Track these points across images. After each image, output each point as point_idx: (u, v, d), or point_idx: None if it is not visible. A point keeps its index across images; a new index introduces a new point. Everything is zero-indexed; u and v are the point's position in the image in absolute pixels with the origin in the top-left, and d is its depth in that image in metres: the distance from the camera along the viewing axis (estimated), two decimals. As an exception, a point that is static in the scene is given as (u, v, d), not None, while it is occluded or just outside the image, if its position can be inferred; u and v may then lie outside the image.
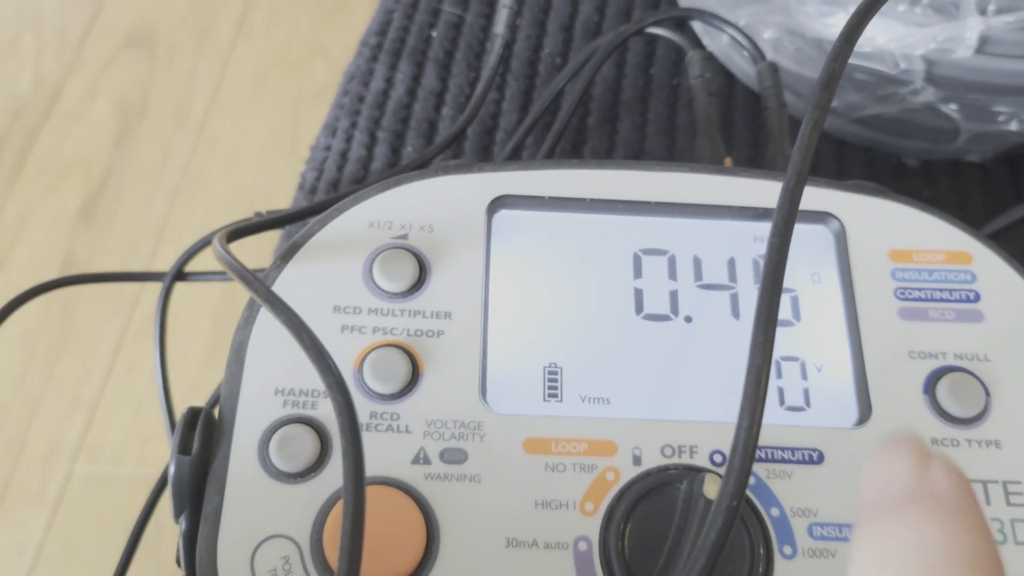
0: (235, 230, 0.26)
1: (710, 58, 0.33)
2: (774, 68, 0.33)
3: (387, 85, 0.40)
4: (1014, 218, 0.34)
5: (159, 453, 0.97)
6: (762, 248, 0.26)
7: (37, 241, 1.03)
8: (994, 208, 0.38)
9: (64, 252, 1.02)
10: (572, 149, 0.38)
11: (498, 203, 0.26)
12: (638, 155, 0.38)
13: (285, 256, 0.25)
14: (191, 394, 0.87)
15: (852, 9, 0.34)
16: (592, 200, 0.26)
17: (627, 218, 0.26)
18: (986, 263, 0.26)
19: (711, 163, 0.31)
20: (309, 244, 0.25)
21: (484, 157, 0.37)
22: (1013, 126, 0.36)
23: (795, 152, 0.21)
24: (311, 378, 0.24)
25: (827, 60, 0.21)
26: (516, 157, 0.36)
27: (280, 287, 0.24)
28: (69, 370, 0.96)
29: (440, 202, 0.26)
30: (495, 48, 0.35)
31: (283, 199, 1.04)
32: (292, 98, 1.13)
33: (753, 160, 0.37)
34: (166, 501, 0.25)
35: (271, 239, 0.39)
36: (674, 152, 0.37)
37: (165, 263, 1.04)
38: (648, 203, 0.26)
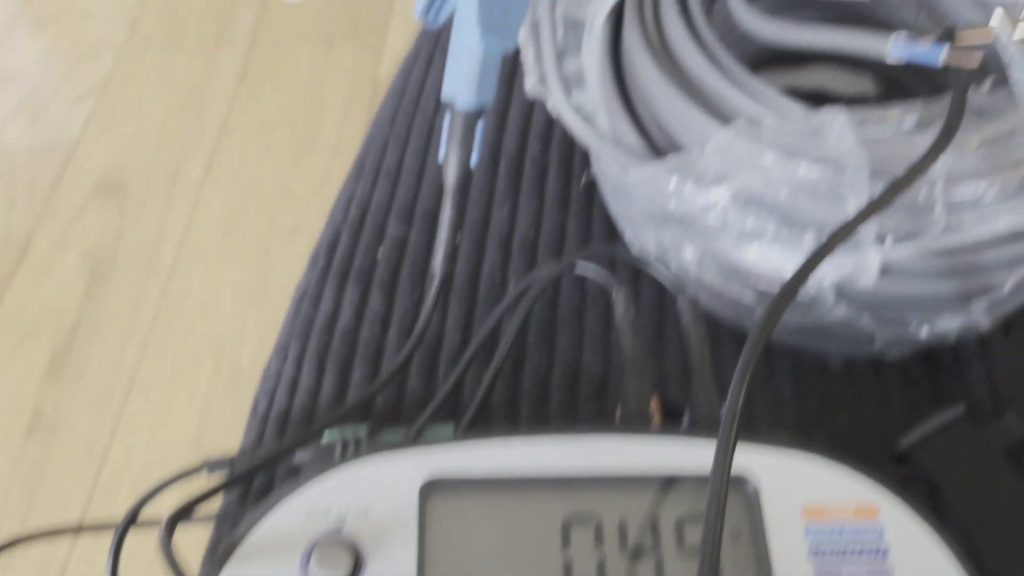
0: (178, 512, 0.28)
1: (635, 296, 0.35)
2: (695, 304, 0.35)
3: (335, 307, 0.42)
4: (930, 429, 0.36)
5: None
6: (685, 510, 0.28)
7: (4, 397, 1.04)
8: (914, 405, 0.40)
9: (32, 408, 1.02)
10: (513, 367, 0.40)
11: (430, 486, 0.27)
12: (576, 371, 0.39)
13: (223, 556, 0.26)
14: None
15: (768, 239, 0.36)
16: (521, 479, 0.28)
17: (556, 489, 0.28)
18: (892, 514, 0.28)
19: (637, 405, 0.32)
20: (247, 541, 0.26)
21: (429, 383, 0.39)
22: (924, 333, 0.38)
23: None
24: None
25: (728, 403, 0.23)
26: (459, 387, 0.38)
27: (220, 587, 0.26)
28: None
29: (375, 486, 0.27)
30: (434, 284, 0.37)
31: (253, 345, 1.05)
32: (260, 241, 1.15)
33: (685, 383, 0.39)
34: None
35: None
36: (609, 369, 0.39)
37: (134, 417, 1.04)
38: (576, 478, 0.28)
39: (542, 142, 0.46)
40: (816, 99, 0.49)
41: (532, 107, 0.48)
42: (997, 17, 0.29)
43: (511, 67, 0.49)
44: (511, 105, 0.48)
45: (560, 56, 0.43)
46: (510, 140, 0.47)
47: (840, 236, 0.28)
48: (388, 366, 0.39)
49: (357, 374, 0.39)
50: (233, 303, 1.10)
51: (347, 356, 0.40)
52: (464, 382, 0.38)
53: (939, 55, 0.30)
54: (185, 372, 1.03)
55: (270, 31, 1.35)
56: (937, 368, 0.41)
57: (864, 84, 0.49)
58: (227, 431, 0.98)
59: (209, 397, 1.01)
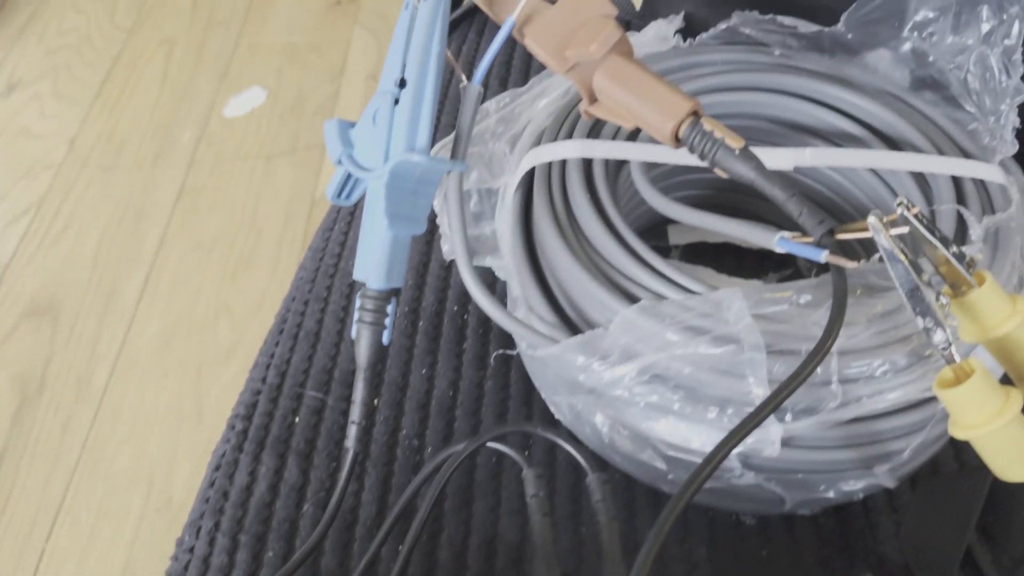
0: None
1: (543, 475, 0.36)
2: (603, 480, 0.35)
3: (251, 479, 0.41)
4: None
5: None
6: None
7: (-75, 530, 0.99)
8: (827, 561, 0.41)
9: (-47, 542, 0.98)
10: (429, 539, 0.39)
11: None
12: (492, 539, 0.39)
13: None
14: None
15: (673, 413, 0.37)
16: None
17: None
18: None
19: (545, 593, 0.32)
20: None
21: (344, 560, 0.38)
22: (831, 494, 0.39)
23: None
24: None
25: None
26: (374, 563, 0.37)
27: None
28: None
29: None
30: (346, 462, 0.37)
31: (185, 472, 1.03)
32: (196, 361, 1.13)
33: (600, 550, 0.39)
34: None
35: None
36: (525, 535, 0.39)
37: (61, 546, 1.00)
38: None
39: (460, 301, 0.47)
40: (725, 249, 0.52)
41: (451, 265, 0.49)
42: (873, 216, 0.31)
43: (431, 227, 0.50)
44: (430, 263, 0.49)
45: (474, 223, 0.45)
46: (429, 299, 0.47)
47: (742, 434, 0.29)
48: (302, 544, 0.38)
49: (271, 552, 0.39)
50: (165, 427, 1.07)
51: (261, 533, 0.40)
52: (380, 557, 0.38)
53: (820, 255, 0.31)
54: (114, 500, 1.00)
55: (209, 149, 1.37)
56: (848, 521, 0.42)
57: (769, 239, 0.51)
58: (156, 563, 0.95)
59: (139, 527, 0.98)
